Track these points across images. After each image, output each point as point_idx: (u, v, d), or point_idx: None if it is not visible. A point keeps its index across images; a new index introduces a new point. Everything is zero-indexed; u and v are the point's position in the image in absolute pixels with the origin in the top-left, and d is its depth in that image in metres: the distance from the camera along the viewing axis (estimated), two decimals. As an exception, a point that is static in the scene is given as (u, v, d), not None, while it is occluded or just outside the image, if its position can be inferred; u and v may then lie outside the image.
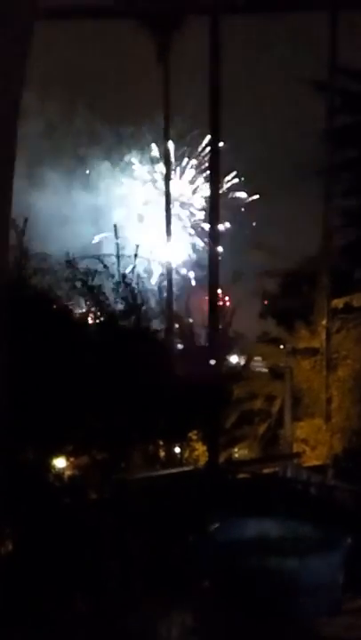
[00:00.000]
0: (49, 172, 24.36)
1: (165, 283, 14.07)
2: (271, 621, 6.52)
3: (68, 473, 8.52)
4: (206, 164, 24.18)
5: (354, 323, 15.55)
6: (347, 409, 14.86)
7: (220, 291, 12.16)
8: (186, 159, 28.79)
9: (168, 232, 16.75)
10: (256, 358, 19.01)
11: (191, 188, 29.25)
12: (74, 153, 26.59)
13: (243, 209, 28.15)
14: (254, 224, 27.97)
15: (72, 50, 20.42)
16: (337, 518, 8.46)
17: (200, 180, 28.55)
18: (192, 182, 29.22)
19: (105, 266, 9.29)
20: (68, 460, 8.79)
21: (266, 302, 20.38)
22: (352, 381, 14.89)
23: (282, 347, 17.66)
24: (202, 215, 28.12)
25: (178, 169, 28.56)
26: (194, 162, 29.04)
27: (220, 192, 16.21)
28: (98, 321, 9.23)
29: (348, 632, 6.46)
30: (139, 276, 9.42)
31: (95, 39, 19.94)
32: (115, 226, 9.56)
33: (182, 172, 28.91)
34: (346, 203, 16.89)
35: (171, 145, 20.54)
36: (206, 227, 21.56)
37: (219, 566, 7.33)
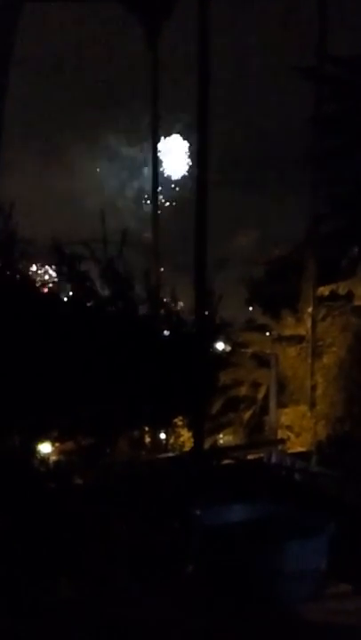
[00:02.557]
0: (25, 155, 24.04)
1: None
2: (254, 606, 6.58)
3: (53, 458, 8.53)
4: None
5: (339, 310, 15.63)
6: (331, 396, 14.96)
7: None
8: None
9: (154, 217, 16.67)
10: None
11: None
12: (50, 136, 26.28)
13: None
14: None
15: (56, 33, 20.23)
16: (320, 504, 8.54)
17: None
18: None
19: (92, 251, 9.26)
20: (53, 445, 8.80)
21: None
22: (337, 369, 14.98)
23: (268, 334, 17.72)
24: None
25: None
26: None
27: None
28: (84, 307, 9.21)
29: (330, 617, 6.53)
30: (125, 261, 9.39)
31: (80, 22, 19.77)
32: (101, 211, 9.52)
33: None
34: (333, 190, 16.92)
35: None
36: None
37: (203, 551, 7.38)
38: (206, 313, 10.14)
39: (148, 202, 17.94)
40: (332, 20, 15.56)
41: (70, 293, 9.16)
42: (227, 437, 17.96)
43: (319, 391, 15.18)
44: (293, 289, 16.94)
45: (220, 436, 17.99)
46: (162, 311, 9.76)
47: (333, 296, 15.83)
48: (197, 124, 10.57)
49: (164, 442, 11.36)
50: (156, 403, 9.13)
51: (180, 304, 10.19)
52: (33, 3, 15.37)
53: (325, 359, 15.31)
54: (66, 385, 8.03)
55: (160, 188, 16.97)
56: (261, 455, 12.51)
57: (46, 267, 9.53)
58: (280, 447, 13.59)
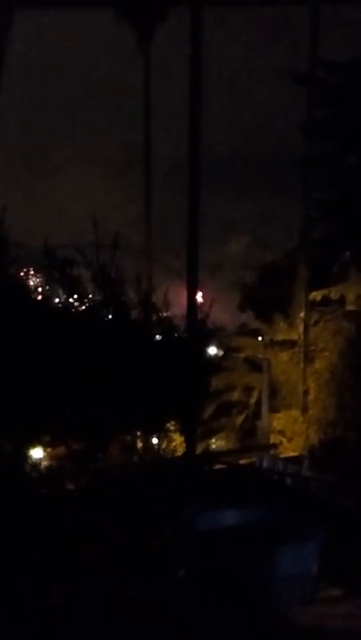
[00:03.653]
0: (13, 157, 23.98)
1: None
2: (246, 610, 6.58)
3: (44, 463, 8.51)
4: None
5: (331, 315, 15.65)
6: (323, 401, 14.97)
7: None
8: None
9: (148, 222, 16.68)
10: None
11: None
12: (36, 142, 26.25)
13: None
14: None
15: (46, 38, 20.22)
16: (312, 509, 8.55)
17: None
18: None
19: (84, 255, 9.24)
20: (45, 450, 8.77)
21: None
22: (329, 374, 15.00)
23: (260, 339, 17.73)
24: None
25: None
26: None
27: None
28: (76, 311, 9.20)
29: (321, 621, 6.54)
30: (117, 266, 9.37)
31: (73, 27, 19.79)
32: (94, 216, 9.49)
33: None
34: (324, 195, 16.97)
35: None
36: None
37: (195, 556, 7.38)
38: (199, 317, 10.15)
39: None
40: (324, 25, 15.62)
41: (62, 298, 9.15)
42: (219, 442, 17.96)
43: (311, 396, 15.20)
44: (286, 294, 16.97)
45: (213, 440, 17.98)
46: (154, 316, 9.75)
47: (325, 301, 15.87)
48: (189, 127, 10.58)
49: (156, 446, 11.33)
50: (148, 407, 9.12)
51: (171, 311, 10.19)
52: (25, 8, 15.41)
53: (317, 364, 15.33)
54: (57, 389, 8.01)
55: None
56: (253, 460, 12.53)
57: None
58: (272, 452, 13.60)
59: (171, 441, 10.72)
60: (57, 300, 9.34)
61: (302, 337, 15.55)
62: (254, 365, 17.27)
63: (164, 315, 9.89)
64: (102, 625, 6.33)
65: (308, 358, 15.39)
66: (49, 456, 8.80)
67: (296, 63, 16.46)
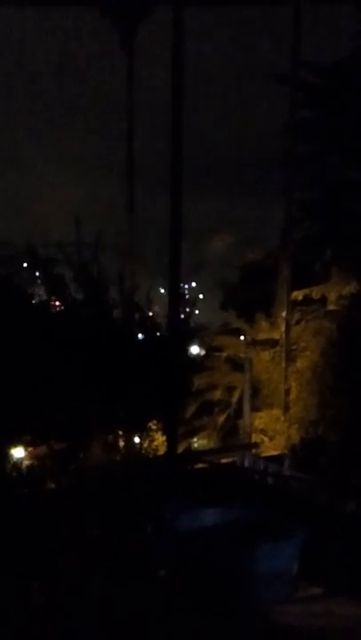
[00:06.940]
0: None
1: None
2: (227, 608, 6.61)
3: (26, 463, 8.49)
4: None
5: (313, 315, 15.70)
6: (304, 400, 15.01)
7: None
8: None
9: (130, 221, 16.64)
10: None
11: None
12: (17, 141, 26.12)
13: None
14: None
15: (22, 36, 20.14)
16: (292, 507, 8.59)
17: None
18: None
19: (66, 254, 9.23)
20: (26, 449, 8.75)
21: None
22: (310, 373, 15.04)
23: (242, 338, 17.77)
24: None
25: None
26: None
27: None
28: (58, 310, 9.19)
29: (300, 619, 6.58)
30: (100, 264, 9.37)
31: (53, 26, 19.73)
32: (76, 217, 9.46)
33: None
34: (306, 195, 17.03)
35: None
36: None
37: (176, 555, 7.39)
38: (181, 316, 10.17)
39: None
40: (307, 26, 15.65)
41: (43, 296, 9.13)
42: (201, 441, 17.98)
43: (293, 395, 15.23)
44: (268, 293, 17.00)
45: (195, 439, 18.00)
46: (136, 315, 9.75)
47: (307, 300, 15.91)
48: (172, 127, 10.60)
49: (138, 446, 11.35)
50: (129, 406, 9.12)
51: (156, 308, 10.19)
52: (5, 5, 15.35)
53: (299, 363, 15.35)
54: (38, 388, 8.00)
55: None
56: (235, 459, 12.56)
57: None
58: (254, 451, 13.64)
59: (153, 440, 10.74)
60: (39, 299, 9.32)
61: (284, 336, 15.58)
62: (236, 364, 17.29)
63: (147, 314, 9.90)
64: (83, 624, 6.33)
65: (290, 357, 15.41)
66: (30, 455, 8.78)
67: (281, 64, 16.49)
